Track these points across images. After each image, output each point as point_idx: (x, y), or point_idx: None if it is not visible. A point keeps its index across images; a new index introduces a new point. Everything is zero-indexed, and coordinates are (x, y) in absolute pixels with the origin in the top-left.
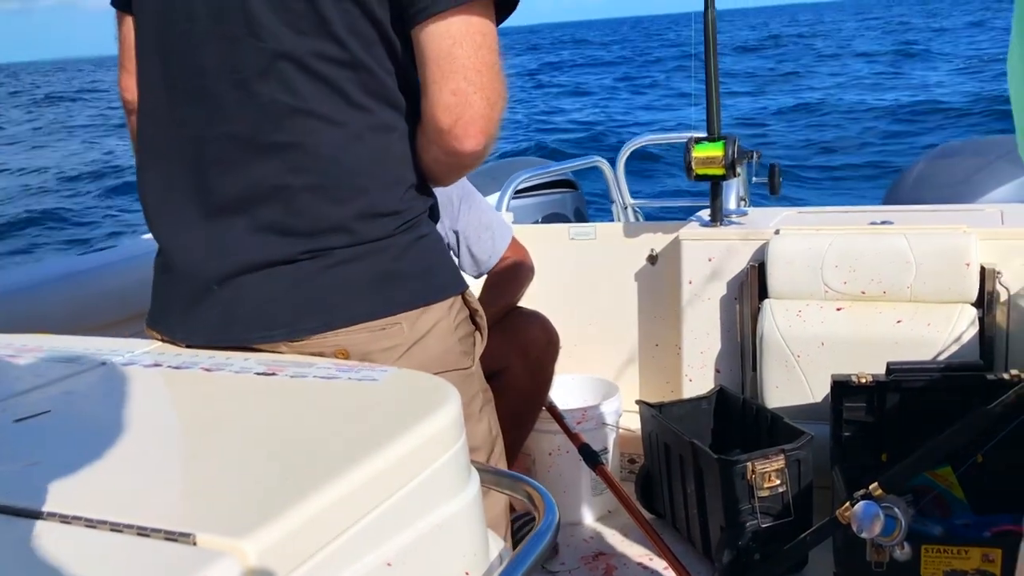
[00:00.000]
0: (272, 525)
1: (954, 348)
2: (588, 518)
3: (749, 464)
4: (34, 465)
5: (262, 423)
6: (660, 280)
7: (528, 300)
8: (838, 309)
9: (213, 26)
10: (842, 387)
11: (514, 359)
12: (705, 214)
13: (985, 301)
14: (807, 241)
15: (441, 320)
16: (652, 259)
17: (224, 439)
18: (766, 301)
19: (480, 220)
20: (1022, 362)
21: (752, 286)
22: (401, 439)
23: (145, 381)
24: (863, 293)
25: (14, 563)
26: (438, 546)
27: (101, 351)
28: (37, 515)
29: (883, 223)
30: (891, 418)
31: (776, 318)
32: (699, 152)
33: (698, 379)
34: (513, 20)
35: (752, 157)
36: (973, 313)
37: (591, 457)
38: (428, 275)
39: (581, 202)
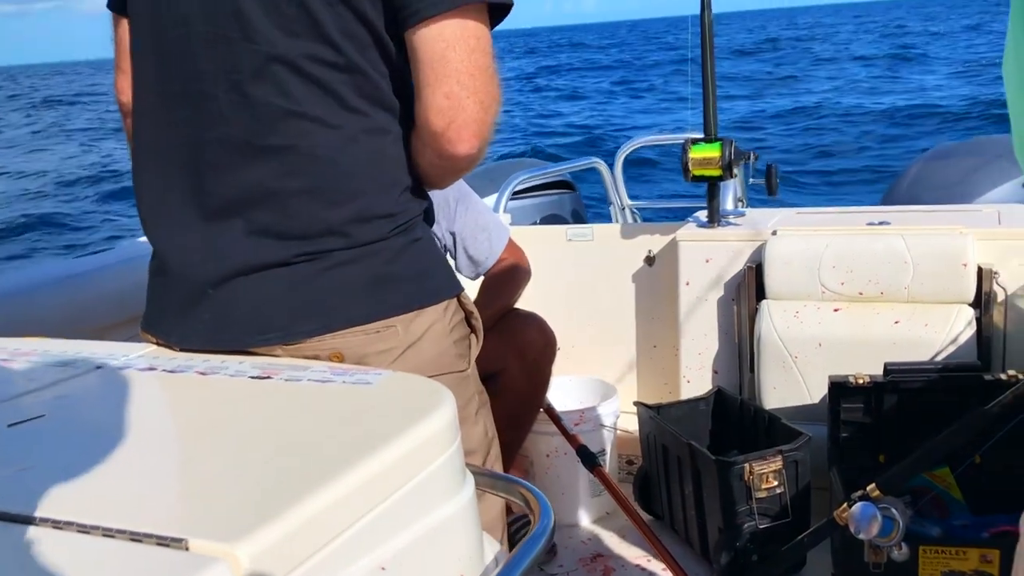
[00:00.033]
0: (265, 530)
1: (951, 349)
2: (586, 520)
3: (747, 465)
4: (27, 470)
5: (256, 427)
6: (658, 281)
7: (526, 301)
8: (835, 310)
9: (206, 28)
10: (840, 388)
11: (511, 361)
12: (702, 215)
13: (982, 301)
14: (804, 242)
15: (436, 323)
16: (650, 260)
17: (218, 443)
18: (763, 302)
19: (477, 221)
20: (1019, 362)
21: (749, 287)
22: (395, 443)
23: (140, 385)
24: (860, 294)
25: (6, 569)
26: (433, 550)
27: (96, 355)
28: (29, 520)
29: (880, 224)
30: (889, 419)
31: (774, 319)
32: (696, 153)
33: (696, 380)
34: (512, 23)
35: (749, 158)
36: (970, 313)
37: (589, 459)
38: (423, 278)
39: (579, 203)
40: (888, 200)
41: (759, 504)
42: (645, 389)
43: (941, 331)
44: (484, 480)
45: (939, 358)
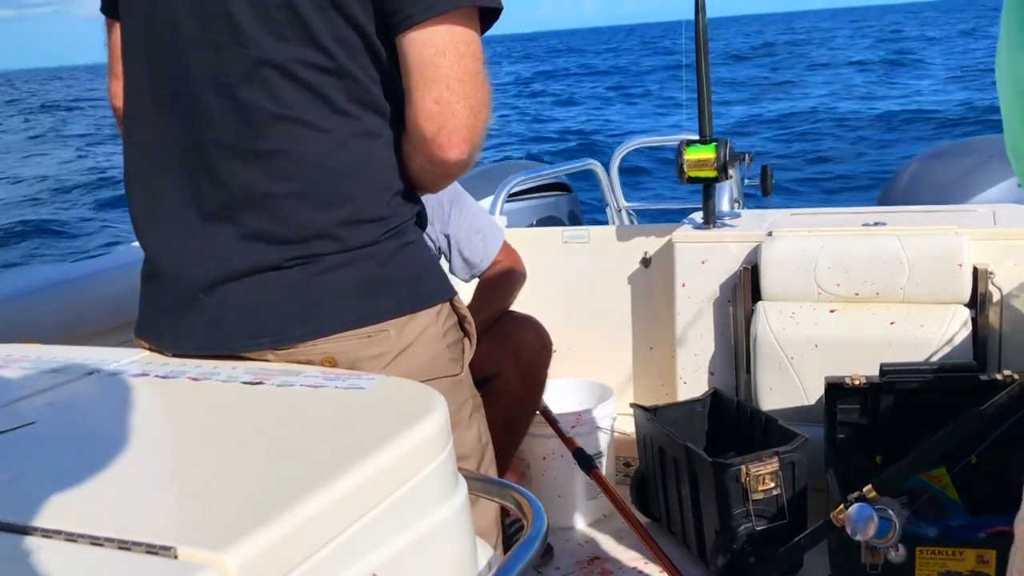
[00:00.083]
0: (254, 537)
1: (947, 349)
2: (583, 522)
3: (743, 467)
4: (16, 478)
5: (248, 433)
6: (654, 283)
7: (522, 304)
8: (831, 311)
9: (197, 33)
10: (836, 389)
11: (507, 363)
12: (698, 217)
13: (978, 302)
14: (800, 243)
15: (429, 327)
16: (646, 262)
17: (210, 449)
18: (759, 303)
19: (471, 224)
20: (1015, 362)
21: (745, 288)
22: (387, 448)
23: (132, 391)
24: (856, 295)
25: None
26: (425, 555)
27: (88, 361)
28: (17, 529)
29: (876, 224)
30: (885, 420)
31: (769, 320)
32: (691, 155)
33: (692, 382)
34: (510, 27)
35: (744, 159)
36: (966, 314)
37: (585, 461)
38: (415, 282)
39: (575, 205)
40: (884, 200)
41: (756, 506)
42: (641, 391)
43: (937, 331)
44: (477, 485)
45: (935, 358)
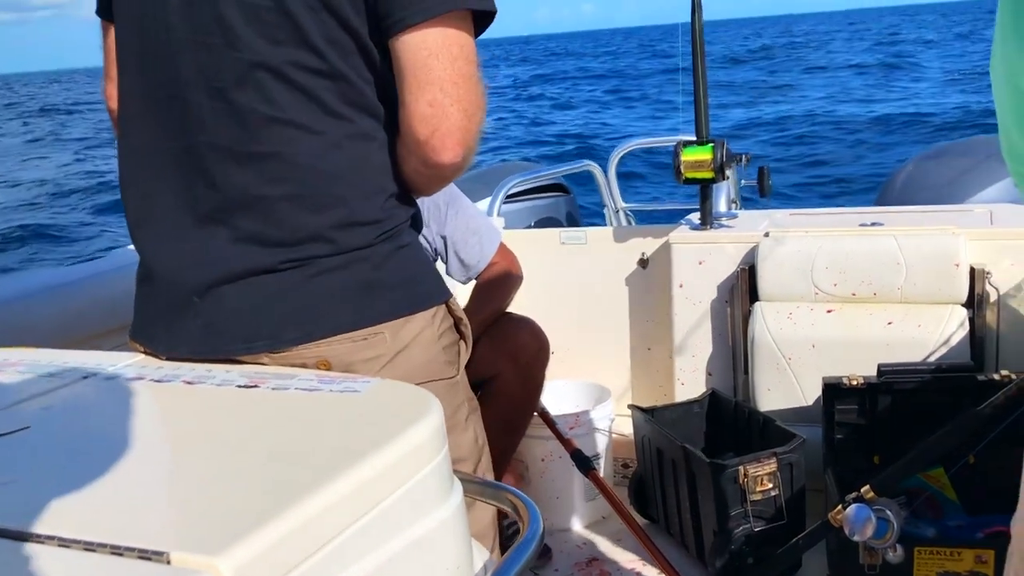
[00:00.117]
0: (247, 541)
1: (945, 349)
2: (581, 524)
3: (741, 468)
4: (8, 483)
5: (243, 436)
6: (651, 284)
7: (519, 305)
8: (829, 311)
9: (189, 35)
10: (833, 389)
11: (504, 365)
12: (695, 217)
13: (975, 302)
14: (797, 243)
15: (424, 329)
16: (643, 263)
17: (204, 453)
18: (757, 304)
19: (468, 225)
20: (1012, 362)
21: (743, 289)
22: (381, 451)
23: (126, 395)
24: (853, 295)
25: None
26: (420, 559)
27: (83, 365)
28: (9, 535)
29: (873, 225)
30: (883, 420)
31: (767, 321)
32: (687, 156)
33: (690, 382)
34: (508, 31)
35: (741, 160)
36: (963, 314)
37: (584, 463)
38: (410, 284)
39: (573, 206)
40: (881, 201)
41: (754, 507)
42: (639, 392)
43: (934, 332)
44: (473, 488)
45: (932, 359)
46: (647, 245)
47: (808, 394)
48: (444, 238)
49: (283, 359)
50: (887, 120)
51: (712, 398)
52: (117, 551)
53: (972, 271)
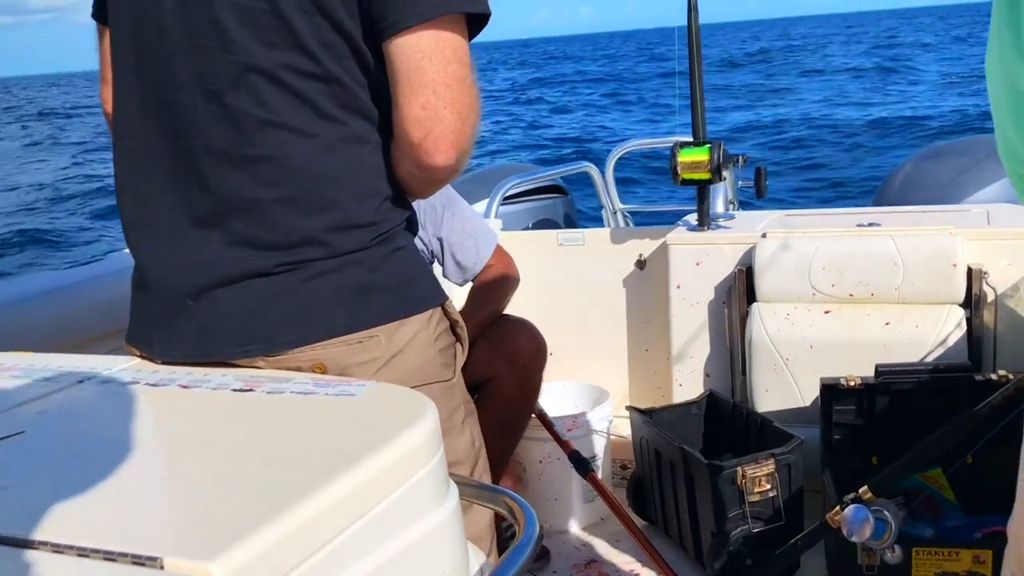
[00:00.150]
0: (241, 546)
1: (942, 349)
2: (579, 525)
3: (739, 469)
4: (2, 489)
5: (238, 440)
6: (649, 285)
7: (516, 307)
8: (826, 312)
9: (184, 38)
10: (831, 390)
11: (502, 367)
12: (693, 218)
13: (972, 302)
14: (794, 244)
15: (420, 332)
16: (640, 264)
17: (199, 457)
18: (754, 304)
19: (464, 227)
20: (1010, 362)
21: (740, 290)
22: (377, 455)
23: (121, 400)
24: (851, 295)
25: None
26: (416, 562)
27: (79, 369)
28: (3, 541)
29: (870, 225)
30: (881, 420)
31: (764, 321)
32: (684, 157)
33: (688, 384)
34: (507, 33)
35: (738, 161)
36: (961, 314)
37: (582, 464)
38: (406, 287)
39: (571, 208)
40: (878, 201)
41: (752, 508)
42: (637, 393)
43: (932, 332)
44: (469, 490)
45: (930, 359)
46: (644, 246)
47: (806, 395)
48: (440, 240)
49: (278, 362)
50: (884, 123)
51: (710, 399)
52: (110, 557)
53: (969, 271)
